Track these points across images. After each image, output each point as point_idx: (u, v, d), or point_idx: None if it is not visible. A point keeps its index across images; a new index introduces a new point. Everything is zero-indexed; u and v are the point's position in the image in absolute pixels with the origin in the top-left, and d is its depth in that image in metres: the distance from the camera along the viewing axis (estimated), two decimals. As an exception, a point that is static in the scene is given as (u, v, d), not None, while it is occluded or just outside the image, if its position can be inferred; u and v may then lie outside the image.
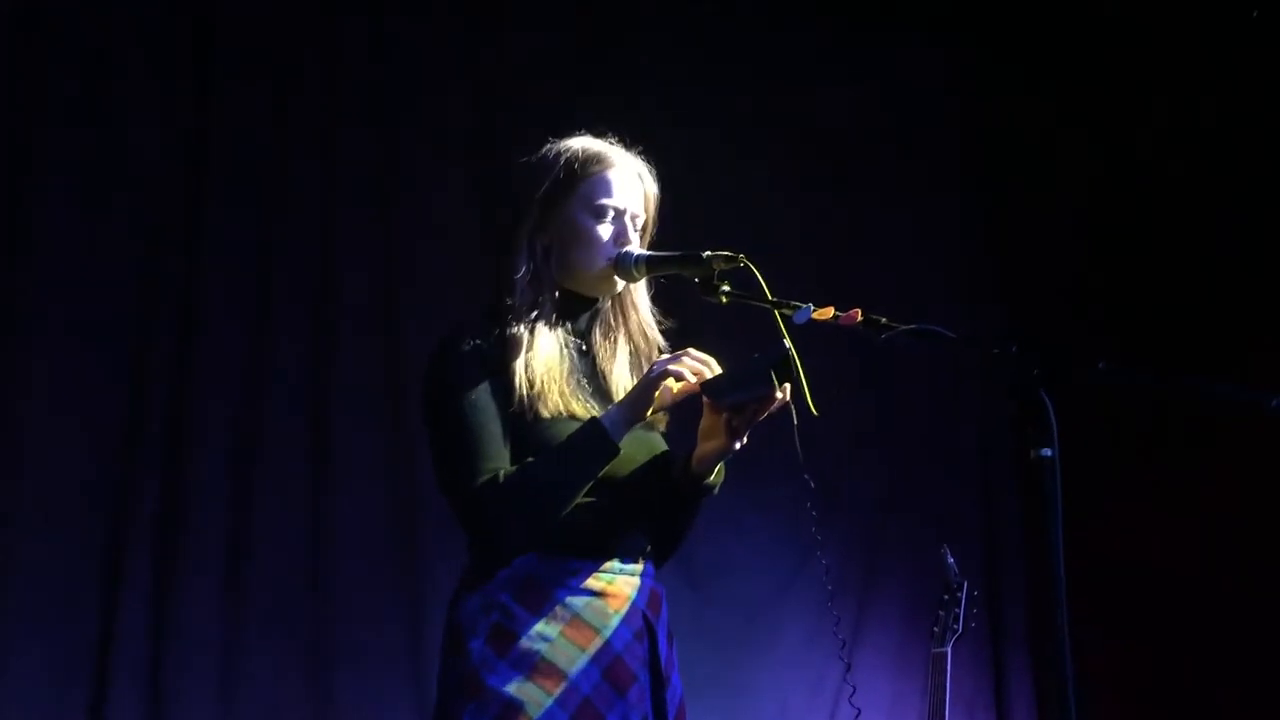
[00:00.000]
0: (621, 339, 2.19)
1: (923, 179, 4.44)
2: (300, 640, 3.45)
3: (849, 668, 2.37)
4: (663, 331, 2.22)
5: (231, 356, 3.51)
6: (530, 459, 2.01)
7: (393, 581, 3.56)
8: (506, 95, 3.88)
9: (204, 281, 3.50)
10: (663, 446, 2.16)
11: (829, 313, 1.94)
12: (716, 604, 3.92)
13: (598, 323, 2.19)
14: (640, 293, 2.21)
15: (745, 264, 2.03)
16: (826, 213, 4.30)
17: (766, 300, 2.00)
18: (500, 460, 2.01)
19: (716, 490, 2.15)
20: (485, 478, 1.99)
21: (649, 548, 2.14)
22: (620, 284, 2.15)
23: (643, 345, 2.20)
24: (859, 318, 1.92)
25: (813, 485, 2.09)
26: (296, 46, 3.70)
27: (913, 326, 1.87)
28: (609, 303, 2.20)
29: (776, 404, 1.99)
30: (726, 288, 2.05)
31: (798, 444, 2.01)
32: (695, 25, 4.22)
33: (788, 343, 1.94)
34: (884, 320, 1.91)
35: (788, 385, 1.97)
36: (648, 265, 2.12)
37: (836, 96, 4.33)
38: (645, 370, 2.14)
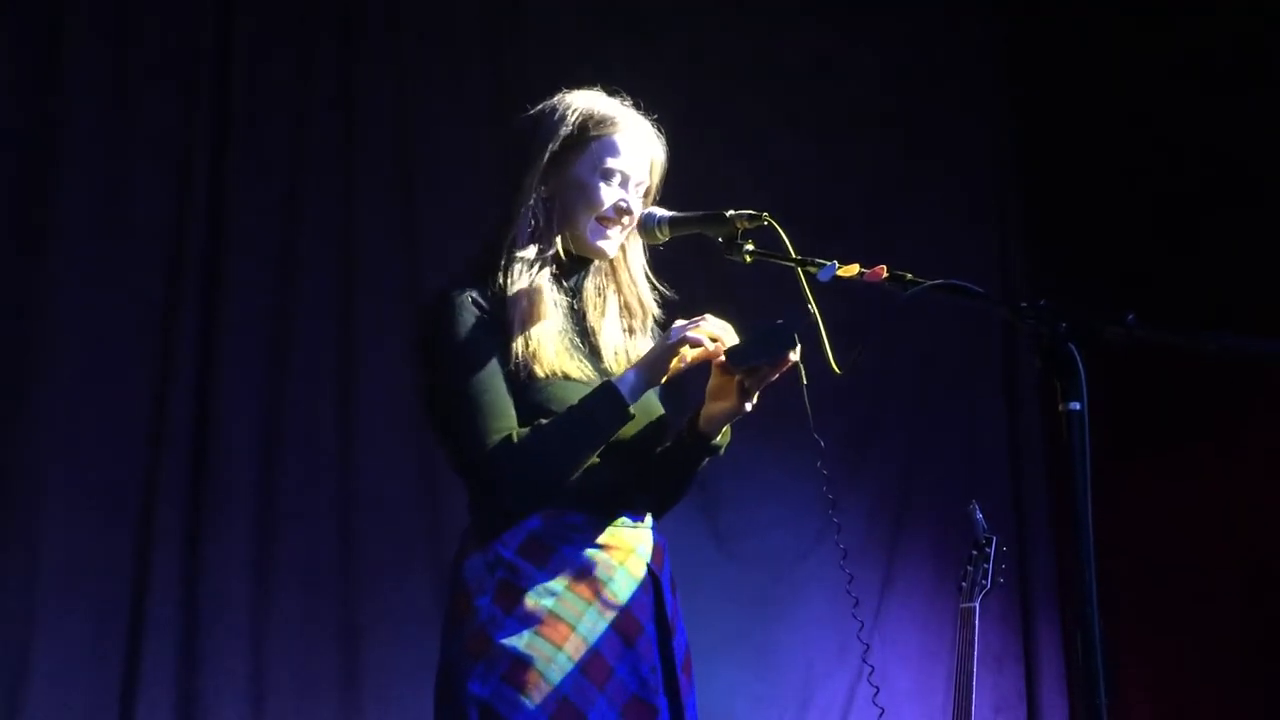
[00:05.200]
0: (611, 295, 2.18)
1: (951, 133, 4.40)
2: (329, 601, 3.48)
3: (862, 626, 2.35)
4: (660, 300, 2.20)
5: (258, 324, 3.53)
6: (542, 420, 2.00)
7: (418, 543, 3.58)
8: (524, 51, 3.86)
9: (230, 250, 3.51)
10: (660, 408, 2.16)
11: (854, 270, 1.93)
12: (742, 562, 3.94)
13: (589, 280, 2.17)
14: (636, 260, 2.19)
15: (769, 222, 2.01)
16: (852, 168, 4.27)
17: (790, 258, 1.99)
18: (510, 420, 2.00)
19: (723, 451, 2.15)
20: (498, 438, 1.98)
21: (651, 505, 2.14)
22: (611, 252, 2.14)
23: (635, 308, 2.18)
24: (884, 274, 1.90)
25: (822, 445, 2.07)
26: (316, 15, 3.70)
27: (938, 281, 1.85)
28: (601, 265, 2.18)
29: (788, 365, 1.99)
30: (750, 247, 2.04)
31: (808, 404, 2.01)
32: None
33: (812, 306, 1.93)
34: (909, 276, 1.89)
35: (798, 346, 1.96)
36: (671, 225, 2.11)
37: (861, 48, 4.30)
38: (638, 337, 2.14)
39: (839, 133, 4.25)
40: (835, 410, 4.02)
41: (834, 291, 1.94)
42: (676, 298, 2.22)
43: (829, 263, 1.95)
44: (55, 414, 3.30)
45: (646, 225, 2.12)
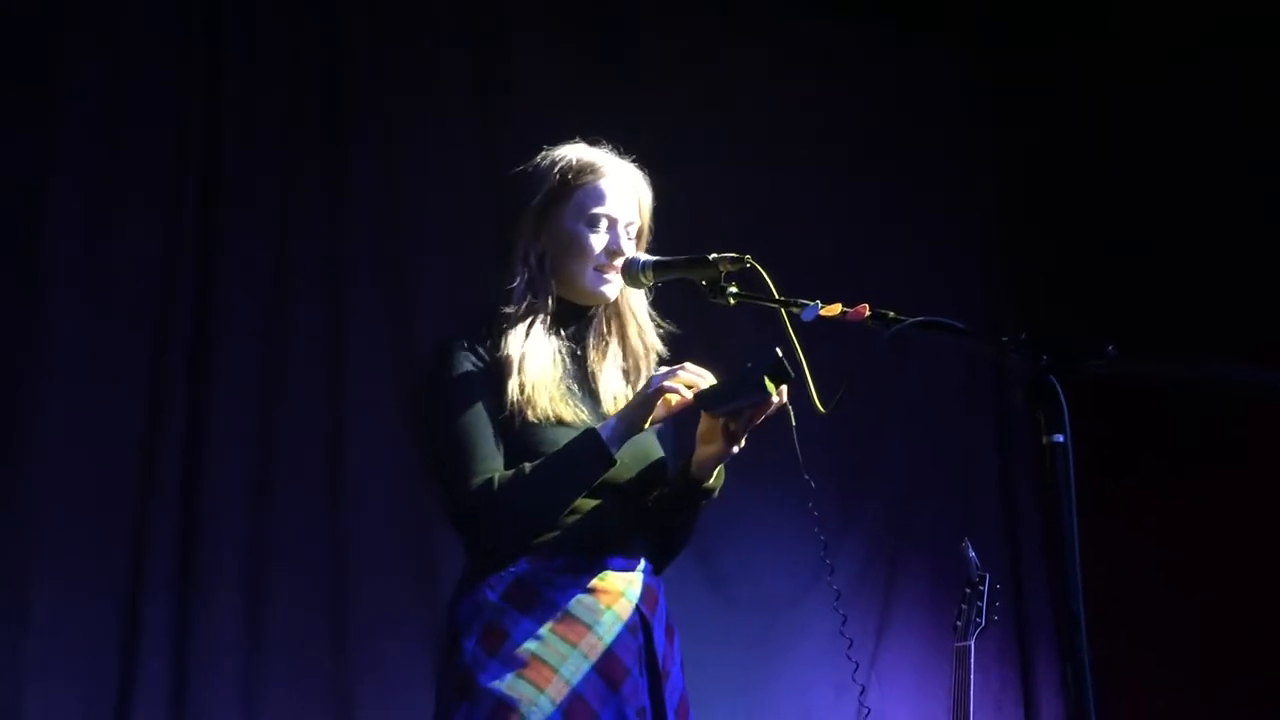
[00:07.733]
0: (614, 343, 2.22)
1: (931, 175, 4.45)
2: (321, 654, 3.46)
3: (857, 667, 2.34)
4: (664, 336, 2.24)
5: (246, 370, 3.51)
6: (524, 464, 2.03)
7: (411, 592, 3.56)
8: (511, 90, 3.90)
9: (218, 295, 3.50)
10: (659, 451, 2.18)
11: (836, 309, 1.95)
12: (739, 605, 3.92)
13: (591, 329, 2.21)
14: (637, 300, 2.23)
15: (752, 264, 2.04)
16: (834, 208, 4.31)
17: (773, 299, 2.01)
18: (494, 464, 2.04)
19: (717, 494, 2.17)
20: (479, 480, 2.02)
21: (647, 550, 2.16)
22: (612, 295, 2.17)
23: (640, 351, 2.22)
24: (866, 313, 1.92)
25: (813, 485, 2.09)
26: (302, 45, 3.72)
27: (920, 319, 1.87)
28: (603, 309, 2.22)
29: (774, 407, 2.01)
30: (734, 289, 2.06)
31: (796, 445, 2.02)
32: (702, 26, 4.24)
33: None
34: (892, 314, 1.90)
35: (784, 388, 1.98)
36: (655, 270, 2.14)
37: (844, 94, 4.35)
38: (641, 378, 2.17)
39: (821, 172, 4.29)
40: (827, 451, 4.05)
41: (820, 332, 1.96)
42: (680, 333, 2.25)
43: (812, 303, 1.97)
44: (38, 468, 3.26)
45: (630, 271, 2.15)
